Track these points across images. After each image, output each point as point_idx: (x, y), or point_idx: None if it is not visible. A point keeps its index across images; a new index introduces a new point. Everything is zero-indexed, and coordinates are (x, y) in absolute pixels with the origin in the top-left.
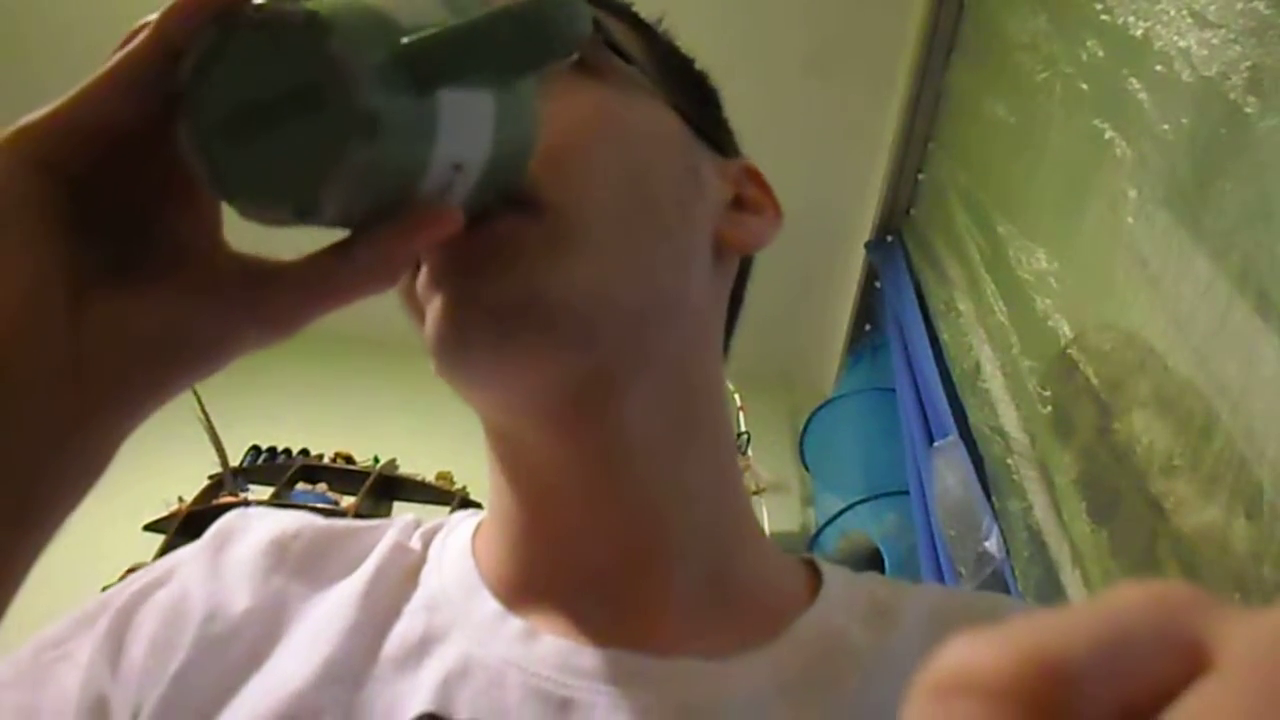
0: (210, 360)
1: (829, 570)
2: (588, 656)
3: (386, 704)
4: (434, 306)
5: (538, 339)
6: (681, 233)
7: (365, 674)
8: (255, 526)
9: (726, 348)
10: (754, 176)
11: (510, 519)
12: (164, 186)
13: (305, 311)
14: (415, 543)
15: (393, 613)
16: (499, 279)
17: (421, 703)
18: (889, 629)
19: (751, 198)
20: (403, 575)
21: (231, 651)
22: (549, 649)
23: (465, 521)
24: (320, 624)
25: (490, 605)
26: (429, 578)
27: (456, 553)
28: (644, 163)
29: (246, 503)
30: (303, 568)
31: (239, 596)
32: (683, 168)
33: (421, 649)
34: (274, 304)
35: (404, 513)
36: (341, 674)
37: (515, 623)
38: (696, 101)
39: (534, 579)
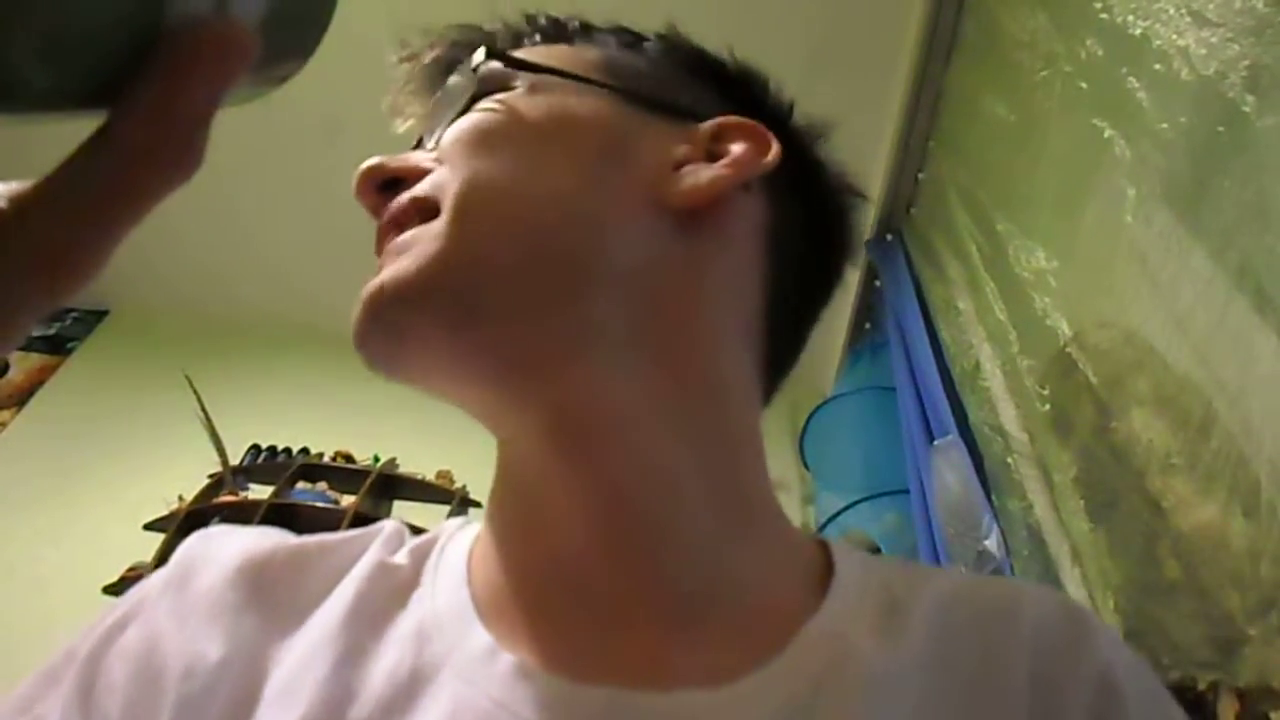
0: None
1: (843, 559)
2: (583, 697)
3: None
4: None
5: (416, 322)
6: (583, 198)
7: (351, 715)
8: (219, 554)
9: (775, 348)
10: (730, 129)
11: (503, 534)
12: None
13: (87, 240)
14: (402, 558)
15: (378, 642)
16: (387, 274)
17: None
18: (898, 633)
19: (721, 150)
20: (389, 598)
21: (211, 710)
22: (543, 690)
23: (459, 535)
24: (298, 668)
25: (482, 639)
26: (421, 602)
27: (451, 578)
28: (523, 154)
29: (247, 501)
30: (275, 599)
31: (212, 645)
32: (589, 145)
33: (411, 688)
34: (35, 243)
35: (404, 512)
36: None
37: (507, 660)
38: (649, 80)
39: (528, 600)
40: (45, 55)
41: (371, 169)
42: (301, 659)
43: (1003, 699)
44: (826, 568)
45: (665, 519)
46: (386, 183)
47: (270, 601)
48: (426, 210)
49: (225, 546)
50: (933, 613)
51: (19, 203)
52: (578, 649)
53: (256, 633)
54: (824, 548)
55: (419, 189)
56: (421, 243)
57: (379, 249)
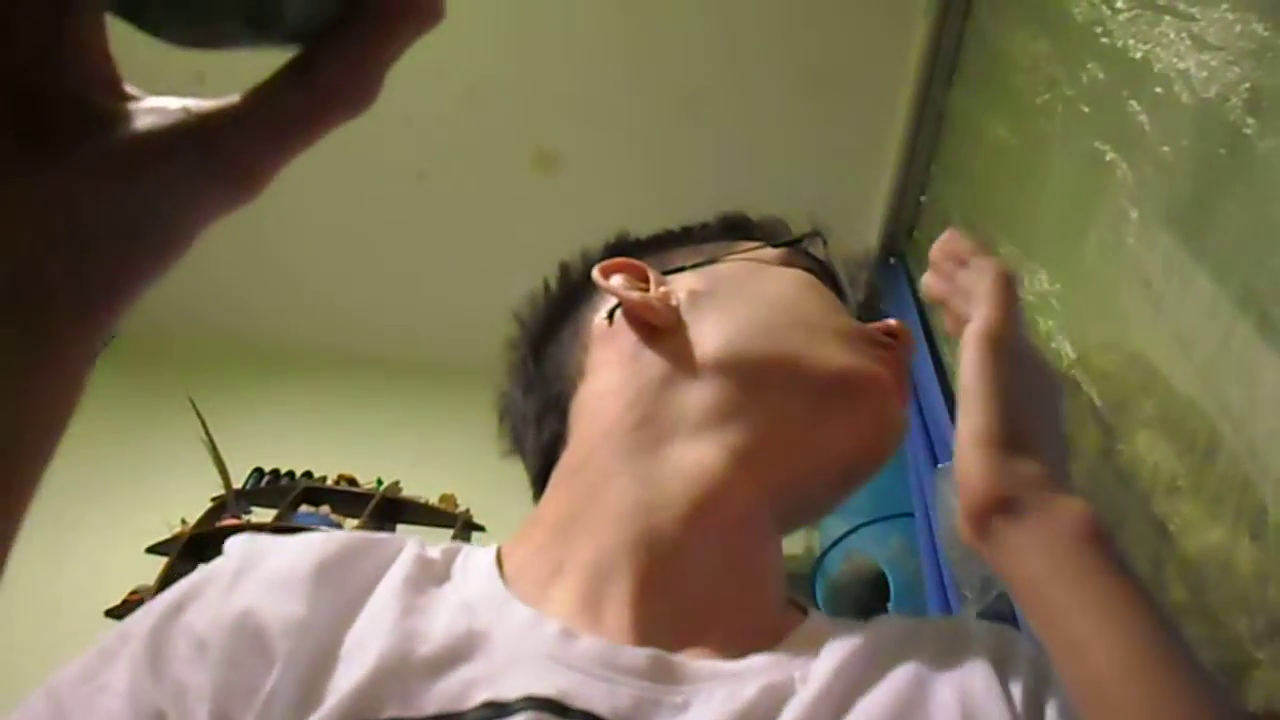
0: (173, 244)
1: (811, 608)
2: (627, 654)
3: (444, 694)
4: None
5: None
6: None
7: (417, 664)
8: (278, 544)
9: None
10: None
11: (591, 561)
12: (28, 19)
13: (273, 160)
14: (434, 554)
15: (431, 606)
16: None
17: (481, 693)
18: (866, 629)
19: None
20: (433, 581)
21: (301, 665)
22: (589, 647)
23: (477, 550)
24: (366, 628)
25: (525, 610)
26: (458, 587)
27: (481, 573)
28: None
29: (250, 524)
30: (339, 578)
31: (298, 607)
32: None
33: (469, 642)
34: (234, 157)
35: (407, 535)
36: (395, 666)
37: (553, 623)
38: None
39: (585, 602)
40: (308, 6)
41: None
42: (367, 622)
43: (970, 653)
44: (801, 611)
45: (758, 575)
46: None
47: (334, 582)
48: None
49: (279, 540)
50: (895, 629)
51: (207, 117)
52: (623, 633)
53: (329, 606)
54: (793, 602)
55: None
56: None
57: (902, 381)
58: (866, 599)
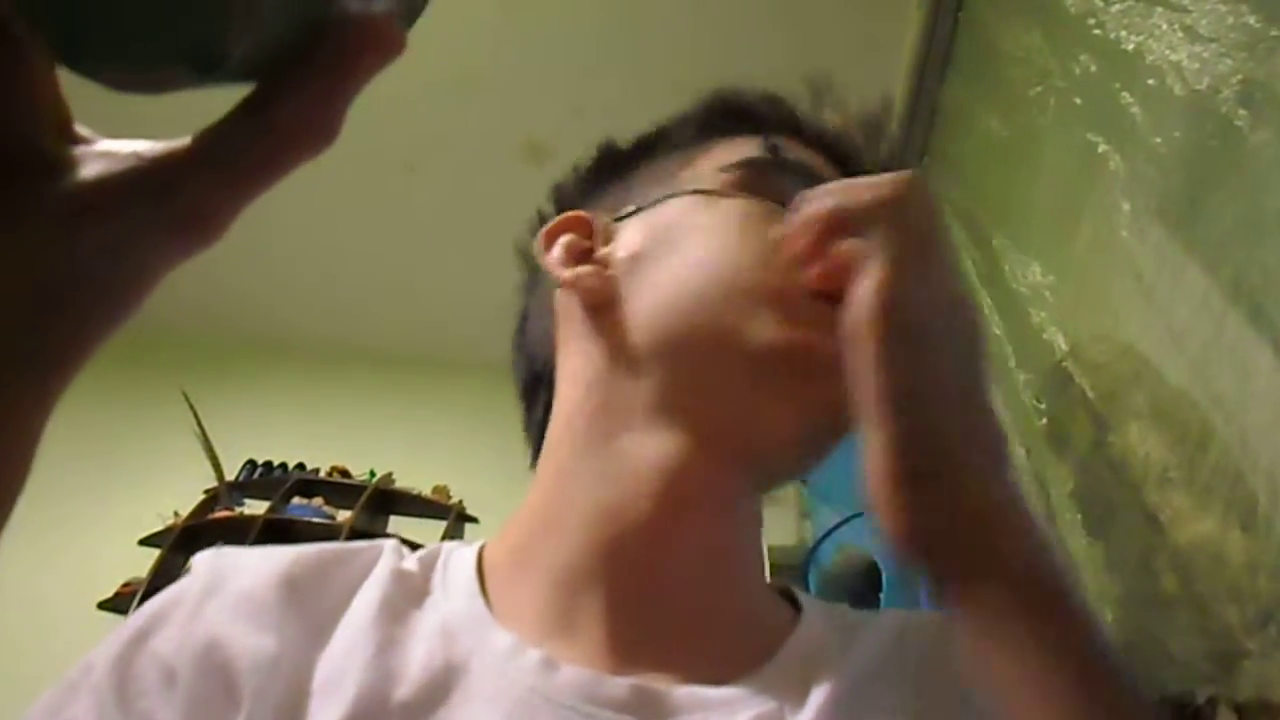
0: (135, 295)
1: (805, 599)
2: (609, 685)
3: None
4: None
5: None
6: None
7: (395, 710)
8: (245, 562)
9: None
10: None
11: (567, 562)
12: None
13: (233, 206)
14: (411, 565)
15: (408, 636)
16: None
17: None
18: (858, 639)
19: None
20: (407, 600)
21: (271, 702)
22: (571, 679)
23: (460, 550)
24: (339, 661)
25: (505, 637)
26: (437, 606)
27: (462, 588)
28: None
29: (242, 516)
30: (308, 601)
31: (266, 639)
32: None
33: (447, 677)
34: (191, 206)
35: (400, 527)
36: (372, 712)
37: (533, 653)
38: None
39: (559, 614)
40: (247, 35)
41: None
42: (341, 653)
43: (956, 666)
44: (794, 607)
45: (740, 568)
46: None
47: (304, 603)
48: None
49: (247, 556)
50: (886, 631)
51: (160, 163)
52: (600, 655)
53: (299, 631)
54: (785, 591)
55: None
56: None
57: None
58: (859, 589)
